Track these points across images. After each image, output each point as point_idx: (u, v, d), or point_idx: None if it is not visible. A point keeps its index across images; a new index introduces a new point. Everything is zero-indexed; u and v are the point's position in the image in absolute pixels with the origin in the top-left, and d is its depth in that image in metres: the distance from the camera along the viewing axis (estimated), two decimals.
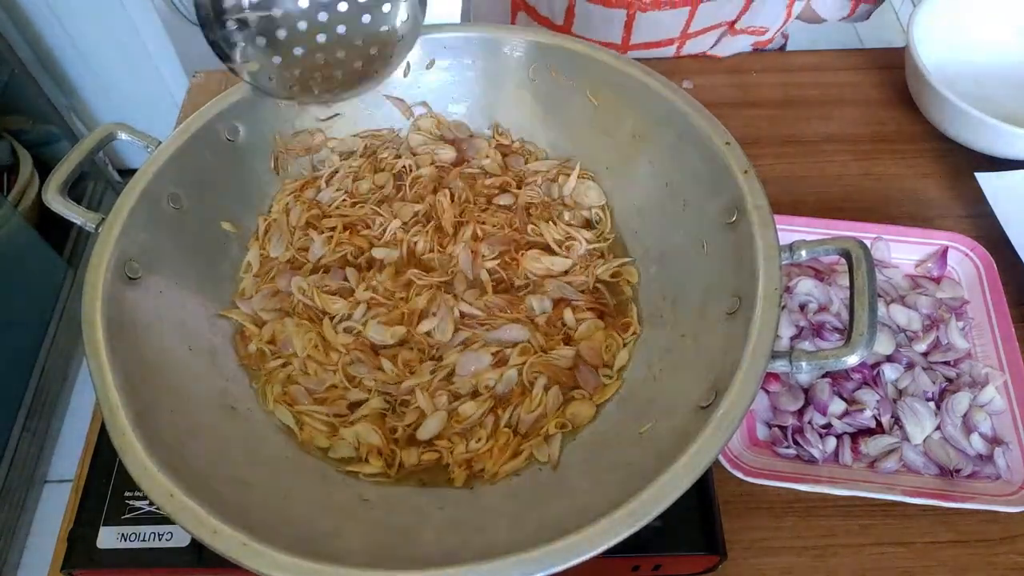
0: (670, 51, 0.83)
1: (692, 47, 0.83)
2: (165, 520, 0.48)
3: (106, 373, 0.41)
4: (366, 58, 0.52)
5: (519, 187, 0.60)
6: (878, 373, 0.56)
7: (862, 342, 0.40)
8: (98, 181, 1.57)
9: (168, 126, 0.60)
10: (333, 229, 0.57)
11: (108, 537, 0.48)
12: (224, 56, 0.47)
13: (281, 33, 0.48)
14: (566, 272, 0.55)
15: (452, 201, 0.58)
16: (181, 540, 0.48)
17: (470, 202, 0.59)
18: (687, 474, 0.37)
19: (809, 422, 0.54)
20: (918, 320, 0.59)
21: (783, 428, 0.54)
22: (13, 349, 1.30)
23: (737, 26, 0.80)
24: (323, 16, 0.49)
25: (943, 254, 0.62)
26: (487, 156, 0.61)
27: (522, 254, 0.55)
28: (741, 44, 0.83)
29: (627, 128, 0.56)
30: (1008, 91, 0.76)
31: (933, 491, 0.51)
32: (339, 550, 0.39)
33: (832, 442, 0.54)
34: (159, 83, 1.48)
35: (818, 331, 0.58)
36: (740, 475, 0.51)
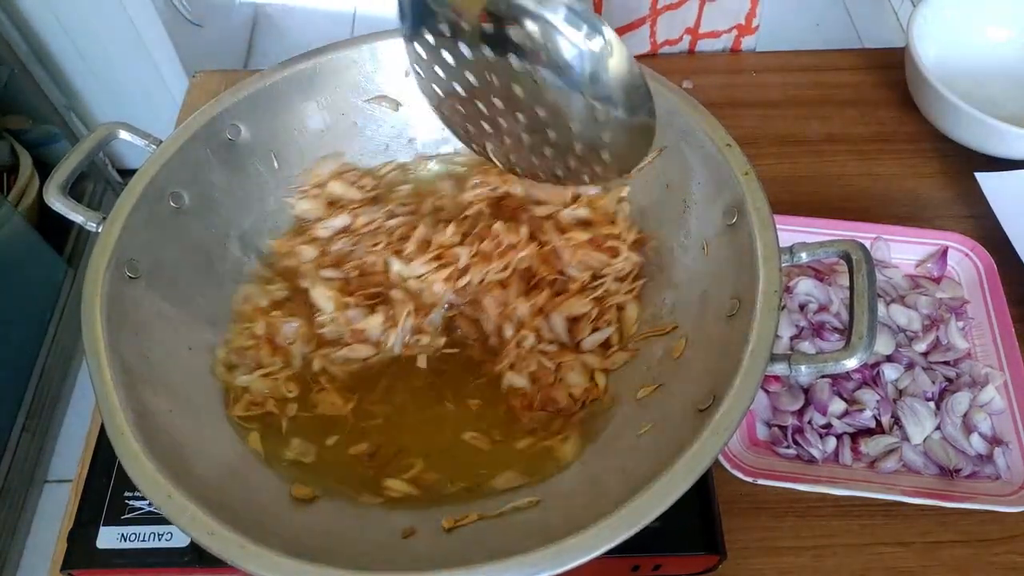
0: (693, 8, 0.81)
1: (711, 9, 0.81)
2: (165, 520, 0.47)
3: (105, 372, 0.41)
4: (558, 157, 0.48)
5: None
6: (878, 373, 0.56)
7: (861, 345, 0.40)
8: (98, 181, 1.56)
9: (168, 126, 0.60)
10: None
11: (108, 537, 0.48)
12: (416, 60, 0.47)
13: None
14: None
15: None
16: (181, 540, 0.47)
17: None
18: (684, 477, 0.36)
19: (809, 422, 0.54)
20: (918, 320, 0.59)
21: (783, 428, 0.54)
22: (13, 349, 1.30)
23: None
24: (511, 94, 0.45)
25: (943, 254, 0.62)
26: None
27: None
28: None
29: None
30: (1008, 91, 0.76)
31: (933, 491, 0.51)
32: (337, 552, 0.39)
33: (832, 442, 0.54)
34: (159, 83, 1.47)
35: (818, 331, 0.58)
36: (740, 475, 0.51)
